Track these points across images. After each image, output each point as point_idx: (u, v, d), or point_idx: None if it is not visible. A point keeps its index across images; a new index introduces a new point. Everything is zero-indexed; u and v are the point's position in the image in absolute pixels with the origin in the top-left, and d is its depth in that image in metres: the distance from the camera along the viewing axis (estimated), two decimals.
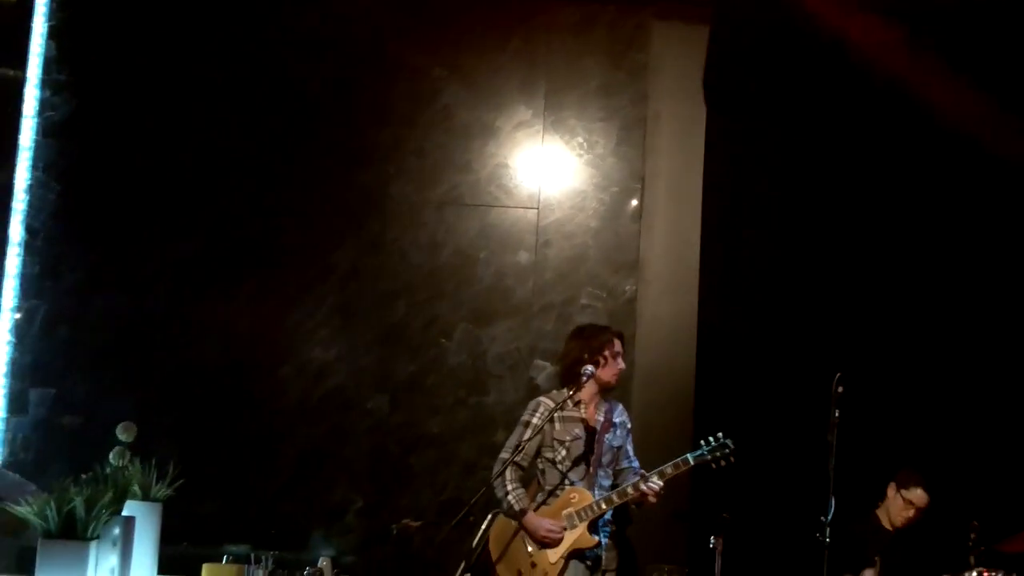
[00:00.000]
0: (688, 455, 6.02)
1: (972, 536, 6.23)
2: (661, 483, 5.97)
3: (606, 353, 6.15)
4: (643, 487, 5.94)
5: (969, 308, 7.69)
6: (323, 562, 6.56)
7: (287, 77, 7.62)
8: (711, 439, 6.04)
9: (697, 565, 6.61)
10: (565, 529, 5.96)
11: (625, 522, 6.50)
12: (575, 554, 5.99)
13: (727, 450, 6.00)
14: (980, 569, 6.11)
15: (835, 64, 7.45)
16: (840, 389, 5.92)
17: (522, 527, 5.97)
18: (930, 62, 7.36)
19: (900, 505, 6.87)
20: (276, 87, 7.62)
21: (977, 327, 7.66)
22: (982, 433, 7.47)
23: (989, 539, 6.21)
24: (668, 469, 6.00)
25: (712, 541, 6.22)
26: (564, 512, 5.99)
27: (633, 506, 6.20)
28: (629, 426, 6.33)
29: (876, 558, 6.73)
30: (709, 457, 6.00)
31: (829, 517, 5.81)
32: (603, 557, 6.10)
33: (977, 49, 7.34)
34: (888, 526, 6.94)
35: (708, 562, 6.24)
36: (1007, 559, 6.15)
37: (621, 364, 6.25)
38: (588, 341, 6.21)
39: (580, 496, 6.01)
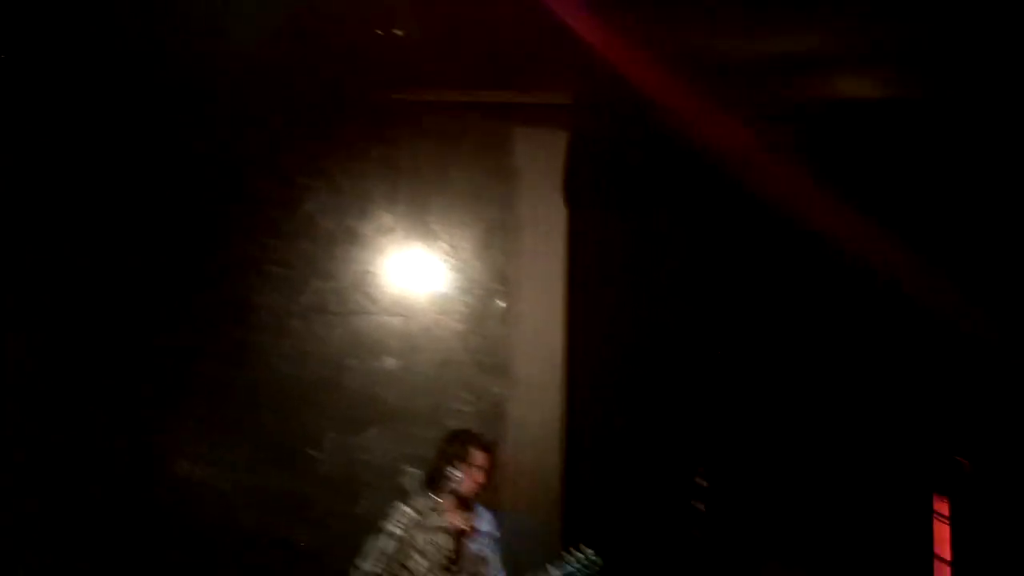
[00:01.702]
0: (556, 572, 5.99)
1: None
2: None
3: (465, 464, 6.14)
4: None
5: (829, 392, 7.85)
6: None
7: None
8: (581, 556, 6.01)
9: None
10: None
11: None
12: None
13: (595, 568, 5.99)
14: None
15: (692, 163, 7.64)
16: (703, 483, 6.01)
17: None
18: (785, 162, 7.59)
19: None
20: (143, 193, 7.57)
21: (836, 410, 7.82)
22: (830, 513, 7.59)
23: None
24: None
25: None
26: None
27: None
28: (497, 535, 6.27)
29: None
30: (577, 573, 5.98)
31: None
32: None
33: (835, 151, 7.58)
34: None
35: None
36: None
37: (478, 476, 6.21)
38: (448, 448, 6.21)
39: None
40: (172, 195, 7.62)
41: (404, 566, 6.01)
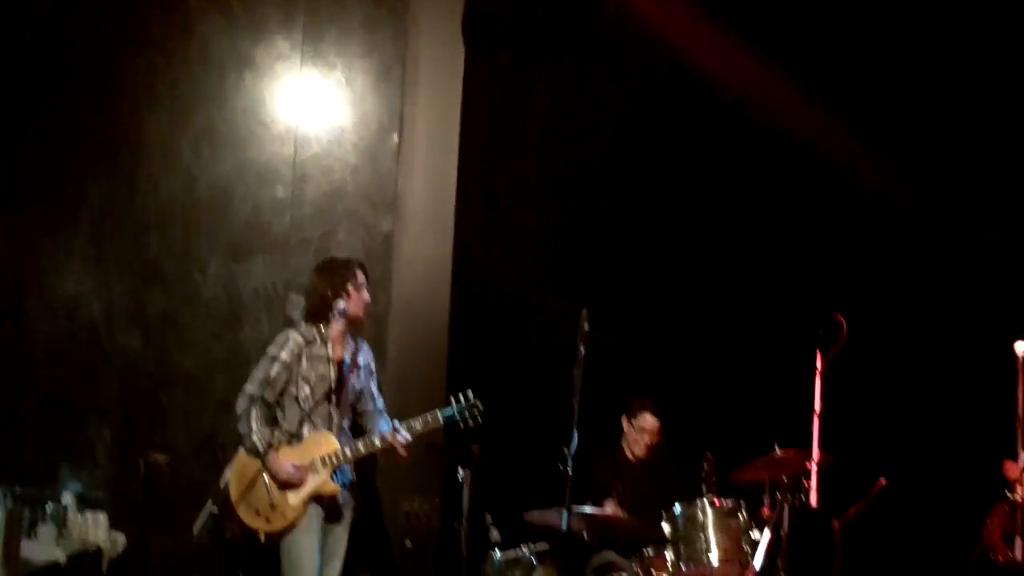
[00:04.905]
0: (438, 413, 6.05)
1: (706, 467, 6.52)
2: (410, 437, 6.02)
3: (349, 287, 6.07)
4: (392, 439, 5.96)
5: (709, 241, 8.02)
6: (67, 498, 6.45)
7: None
8: (462, 398, 6.08)
9: (448, 497, 6.74)
10: (308, 473, 5.87)
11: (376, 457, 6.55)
12: (317, 499, 5.91)
13: (476, 411, 6.08)
14: (712, 497, 6.40)
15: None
16: (586, 325, 6.10)
17: (265, 468, 5.87)
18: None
19: (634, 435, 7.18)
20: (20, 8, 7.28)
21: (715, 258, 8.02)
22: (717, 368, 7.86)
23: (722, 470, 6.51)
24: (417, 425, 6.01)
25: (461, 473, 6.35)
26: (309, 457, 5.89)
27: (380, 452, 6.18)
28: (373, 367, 6.26)
29: (614, 489, 7.02)
30: (458, 417, 6.05)
31: (572, 449, 6.00)
32: (343, 504, 6.06)
33: None
34: (631, 458, 7.23)
35: (458, 494, 6.39)
36: (738, 488, 6.47)
37: (366, 296, 6.16)
38: (331, 275, 6.11)
39: (326, 441, 5.92)
40: (54, 15, 7.35)
41: (286, 393, 6.02)
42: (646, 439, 7.15)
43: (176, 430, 7.15)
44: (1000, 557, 5.83)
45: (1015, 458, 5.64)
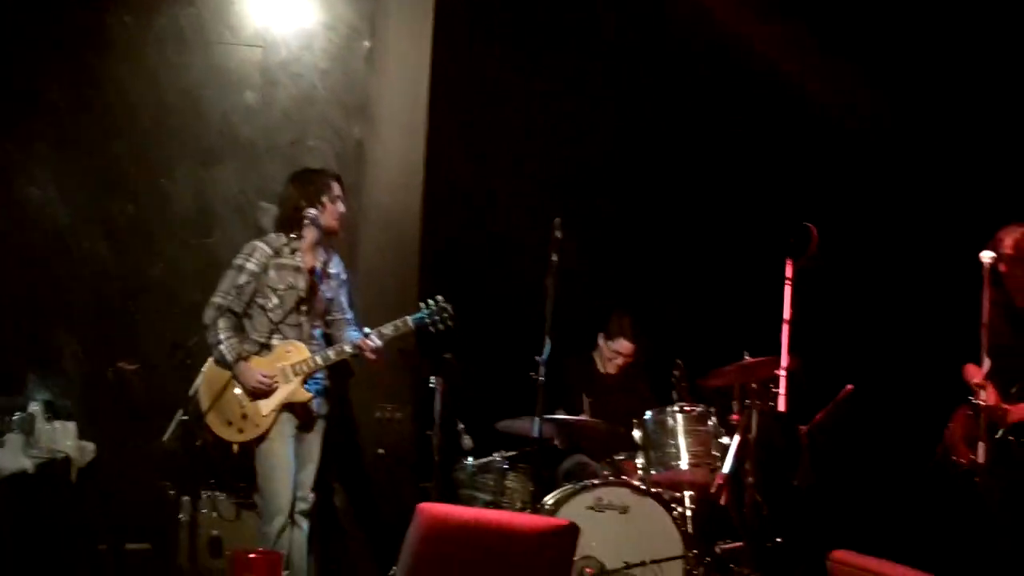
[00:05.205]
0: (408, 318, 6.07)
1: (676, 374, 6.59)
2: (380, 343, 6.02)
3: (324, 198, 6.09)
4: (362, 345, 5.97)
5: (682, 150, 8.02)
6: (35, 407, 6.44)
7: None
8: (432, 302, 6.10)
9: (421, 405, 6.78)
10: (280, 382, 5.90)
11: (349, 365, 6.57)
12: (288, 408, 5.94)
13: (446, 315, 6.09)
14: (682, 404, 6.48)
15: None
16: (559, 233, 6.11)
17: (235, 377, 5.89)
18: None
19: (609, 353, 7.23)
20: None
21: (687, 167, 8.02)
22: (687, 276, 7.89)
23: (692, 377, 6.58)
24: (388, 330, 6.04)
25: (433, 381, 6.39)
26: (279, 365, 5.90)
27: (351, 359, 6.21)
28: (344, 277, 6.26)
29: (586, 398, 7.08)
30: (428, 321, 6.08)
31: (544, 358, 6.04)
32: (315, 411, 6.09)
33: None
34: (603, 371, 7.29)
35: (431, 401, 6.43)
36: (708, 395, 6.54)
37: (341, 208, 6.17)
38: (306, 186, 6.12)
39: (296, 350, 5.94)
40: None
41: (255, 303, 6.01)
42: (619, 361, 7.21)
43: (145, 339, 7.09)
44: (962, 459, 5.94)
45: (979, 363, 5.72)
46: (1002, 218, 6.08)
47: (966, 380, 5.96)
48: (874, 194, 7.73)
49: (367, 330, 6.06)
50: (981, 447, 5.58)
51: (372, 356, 6.02)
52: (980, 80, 7.41)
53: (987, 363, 5.67)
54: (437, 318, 6.09)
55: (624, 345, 7.16)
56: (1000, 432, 5.79)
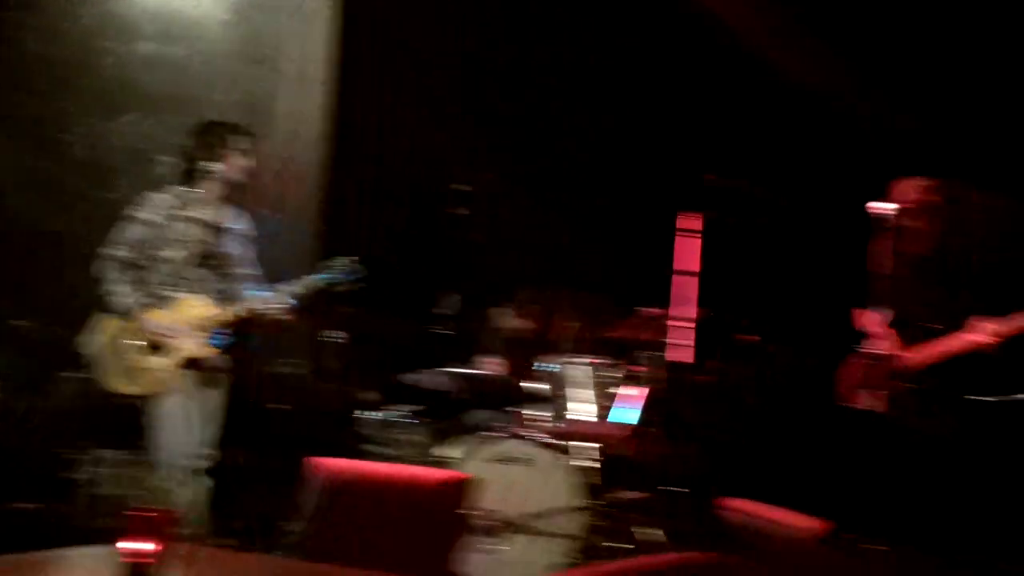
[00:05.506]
0: (316, 277, 6.00)
1: (579, 327, 6.61)
2: (287, 301, 5.93)
3: (228, 151, 5.93)
4: (268, 303, 5.89)
5: (583, 101, 8.00)
6: None
7: None
8: (342, 261, 6.05)
9: (322, 358, 6.75)
10: (181, 336, 5.80)
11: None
12: (191, 363, 5.83)
13: (356, 275, 6.04)
14: (588, 356, 6.50)
15: None
16: (466, 188, 6.10)
17: (134, 331, 5.75)
18: None
19: (518, 324, 7.19)
20: None
21: (588, 116, 8.00)
22: (588, 227, 7.90)
23: (595, 328, 6.60)
24: (296, 289, 5.97)
25: (335, 335, 6.36)
26: (181, 320, 5.81)
27: (256, 315, 6.04)
28: (252, 233, 6.13)
29: (491, 352, 7.08)
30: (335, 281, 5.99)
31: (450, 311, 6.04)
32: (218, 367, 5.97)
33: None
34: (512, 332, 7.28)
35: (333, 356, 6.40)
36: (611, 346, 6.57)
37: (246, 161, 6.02)
38: (208, 138, 5.96)
39: (200, 305, 5.85)
40: None
41: (155, 255, 5.91)
42: (527, 333, 7.19)
43: (43, 293, 6.98)
44: (860, 407, 6.03)
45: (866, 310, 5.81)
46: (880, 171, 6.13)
47: (858, 327, 6.02)
48: (772, 147, 7.74)
49: (274, 287, 5.98)
50: (880, 395, 5.66)
51: (280, 316, 5.94)
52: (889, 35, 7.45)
53: (887, 312, 5.75)
54: (344, 277, 6.03)
55: (527, 322, 7.13)
56: (906, 380, 5.85)
